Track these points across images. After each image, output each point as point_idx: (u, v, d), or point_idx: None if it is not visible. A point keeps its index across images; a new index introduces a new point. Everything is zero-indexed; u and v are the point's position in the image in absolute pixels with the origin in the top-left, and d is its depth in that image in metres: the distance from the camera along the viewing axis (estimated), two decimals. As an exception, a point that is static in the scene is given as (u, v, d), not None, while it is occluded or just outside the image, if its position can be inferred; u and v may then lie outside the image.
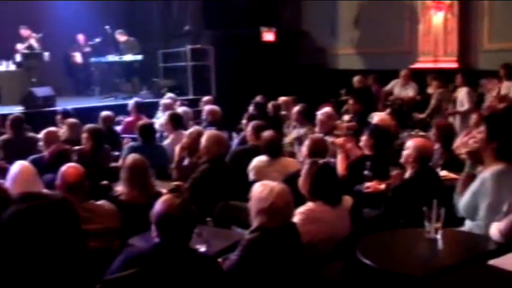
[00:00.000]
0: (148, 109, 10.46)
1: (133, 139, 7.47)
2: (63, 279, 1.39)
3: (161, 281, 3.04)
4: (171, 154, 6.82)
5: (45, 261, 1.43)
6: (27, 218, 1.47)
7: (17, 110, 11.05)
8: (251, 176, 5.83)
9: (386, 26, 13.70)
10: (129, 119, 9.30)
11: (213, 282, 3.22)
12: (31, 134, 7.84)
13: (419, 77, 11.83)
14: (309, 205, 4.16)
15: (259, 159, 5.93)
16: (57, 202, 1.50)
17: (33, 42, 14.33)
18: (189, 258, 3.22)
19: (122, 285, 2.97)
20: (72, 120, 7.95)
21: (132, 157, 4.96)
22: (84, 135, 6.76)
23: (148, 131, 7.05)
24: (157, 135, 8.18)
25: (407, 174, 4.93)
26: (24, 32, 14.33)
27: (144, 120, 7.85)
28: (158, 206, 3.25)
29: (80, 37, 15.35)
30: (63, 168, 4.38)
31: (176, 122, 7.72)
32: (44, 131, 6.76)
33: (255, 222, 3.63)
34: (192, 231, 3.28)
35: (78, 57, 15.36)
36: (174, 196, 3.36)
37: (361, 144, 5.91)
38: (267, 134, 6.11)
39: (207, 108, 9.05)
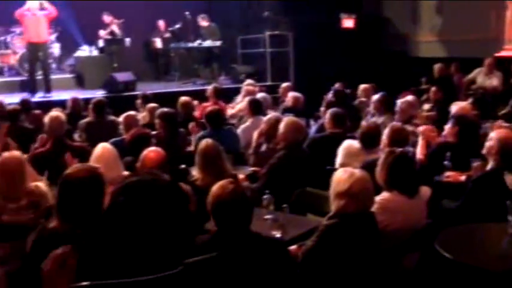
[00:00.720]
0: (227, 95, 10.56)
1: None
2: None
3: (226, 268, 3.08)
4: (248, 139, 6.87)
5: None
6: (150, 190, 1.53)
7: (99, 94, 11.40)
8: (338, 159, 5.75)
9: (470, 12, 13.26)
10: (207, 104, 9.42)
11: (280, 266, 3.23)
12: (112, 118, 8.06)
13: (505, 66, 11.44)
14: (384, 195, 4.13)
15: (351, 145, 5.82)
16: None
17: (115, 28, 14.72)
18: (251, 243, 3.24)
19: (189, 272, 3.00)
20: (152, 104, 8.13)
21: (204, 142, 5.02)
22: (157, 121, 6.89)
23: (215, 117, 7.08)
24: (234, 121, 8.29)
25: (488, 166, 4.81)
26: (107, 18, 14.73)
27: (211, 107, 7.88)
28: (211, 193, 3.29)
29: (160, 23, 15.63)
30: (145, 151, 4.49)
31: (256, 108, 7.76)
32: (123, 115, 6.94)
33: (333, 207, 3.64)
34: (249, 216, 3.28)
35: (158, 43, 15.65)
36: (227, 182, 3.39)
37: (445, 132, 5.78)
38: (364, 123, 6.01)
39: (290, 94, 9.08)
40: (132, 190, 1.55)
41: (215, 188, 3.30)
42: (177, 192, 1.56)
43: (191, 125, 7.44)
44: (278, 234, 3.92)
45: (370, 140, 5.74)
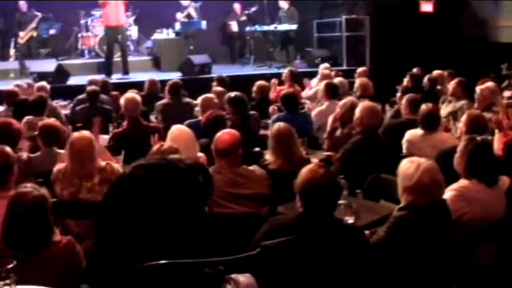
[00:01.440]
0: (302, 78, 10.52)
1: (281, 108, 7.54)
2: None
3: (306, 251, 3.09)
4: (322, 123, 6.85)
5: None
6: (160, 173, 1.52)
7: (175, 76, 11.57)
8: (404, 149, 5.72)
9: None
10: (283, 87, 9.41)
11: (358, 253, 3.22)
12: (188, 100, 8.18)
13: None
14: (463, 183, 4.02)
15: (414, 133, 5.78)
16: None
17: (191, 11, 14.89)
18: (334, 228, 3.24)
19: (268, 254, 3.03)
20: (219, 88, 8.19)
21: (277, 126, 5.03)
22: (226, 106, 6.94)
23: (291, 100, 7.08)
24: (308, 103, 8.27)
25: None
26: (184, 1, 14.92)
27: (287, 90, 7.87)
28: (301, 176, 3.28)
29: (236, 6, 15.70)
30: (219, 134, 4.53)
31: (332, 92, 7.71)
32: (201, 97, 7.01)
33: (402, 200, 3.58)
34: (336, 201, 3.29)
35: (234, 26, 15.74)
36: (317, 166, 3.38)
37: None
38: (424, 106, 5.92)
39: (358, 81, 8.97)
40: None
41: (305, 171, 3.30)
42: (192, 181, 1.51)
43: (272, 108, 7.48)
44: (351, 220, 3.90)
45: (430, 122, 5.71)
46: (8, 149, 4.22)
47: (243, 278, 1.54)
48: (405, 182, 3.54)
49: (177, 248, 1.45)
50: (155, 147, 4.14)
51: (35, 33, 14.73)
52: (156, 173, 1.50)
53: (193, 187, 1.51)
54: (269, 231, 3.24)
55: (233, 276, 1.51)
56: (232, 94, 7.01)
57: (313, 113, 7.45)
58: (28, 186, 3.32)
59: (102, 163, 4.73)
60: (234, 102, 6.82)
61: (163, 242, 1.45)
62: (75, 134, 4.82)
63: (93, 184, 4.56)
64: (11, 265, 2.53)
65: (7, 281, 2.51)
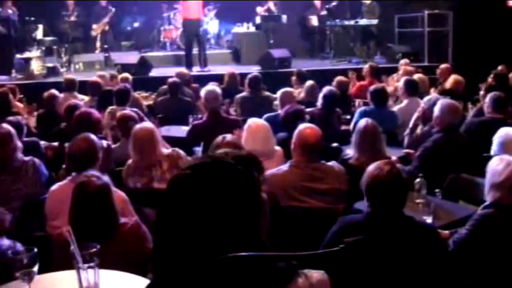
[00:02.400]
0: (382, 74, 10.38)
1: (365, 103, 7.49)
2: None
3: (376, 250, 3.05)
4: (402, 120, 6.75)
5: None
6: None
7: (255, 69, 11.64)
8: (494, 148, 5.50)
9: None
10: (363, 83, 9.32)
11: (432, 252, 3.16)
12: (267, 93, 8.23)
13: None
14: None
15: (507, 133, 5.54)
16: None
17: (271, 5, 14.93)
18: (404, 226, 3.18)
19: (340, 253, 3.00)
20: (311, 82, 8.19)
21: (364, 121, 4.97)
22: (320, 97, 6.94)
23: (381, 95, 7.01)
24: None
25: None
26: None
27: (377, 84, 7.80)
28: (367, 173, 3.25)
29: (317, 1, 15.62)
30: (301, 128, 4.52)
31: (412, 88, 7.58)
32: (280, 91, 7.03)
33: (488, 198, 3.50)
34: (403, 198, 3.23)
35: (314, 21, 15.68)
36: (383, 163, 3.34)
37: None
38: None
39: (452, 76, 8.78)
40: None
41: (371, 168, 3.28)
42: (240, 172, 1.51)
43: (358, 101, 7.43)
44: (429, 219, 3.83)
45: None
46: (93, 136, 4.36)
47: (316, 274, 1.54)
48: (493, 179, 3.46)
49: (231, 240, 1.47)
50: (217, 140, 4.18)
51: (107, 27, 15.12)
52: (201, 171, 1.51)
53: (242, 178, 1.51)
54: (339, 230, 3.23)
55: (306, 271, 1.51)
56: (328, 88, 7.03)
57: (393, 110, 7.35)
58: (91, 174, 3.43)
59: (166, 150, 4.82)
60: (328, 97, 6.83)
61: (217, 236, 1.46)
62: (137, 126, 4.94)
63: (163, 171, 4.66)
64: (95, 249, 2.62)
65: (91, 264, 2.60)
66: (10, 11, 13.16)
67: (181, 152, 4.88)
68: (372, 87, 7.26)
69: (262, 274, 1.44)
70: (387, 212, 3.17)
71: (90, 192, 3.23)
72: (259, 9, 15.12)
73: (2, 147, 4.60)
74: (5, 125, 4.84)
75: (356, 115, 6.77)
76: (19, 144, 4.77)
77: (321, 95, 6.94)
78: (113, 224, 3.26)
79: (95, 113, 5.82)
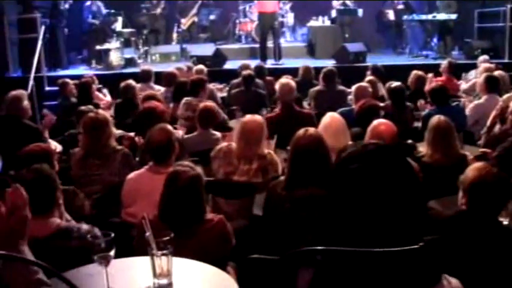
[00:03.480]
0: (459, 70, 10.14)
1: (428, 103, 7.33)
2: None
3: (463, 249, 2.99)
4: (479, 117, 6.58)
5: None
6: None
7: (330, 63, 11.59)
8: None
9: None
10: (440, 79, 9.13)
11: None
12: (341, 88, 8.18)
13: None
14: None
15: None
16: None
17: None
18: (495, 230, 3.10)
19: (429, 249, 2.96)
20: (369, 77, 8.10)
21: (437, 118, 4.86)
22: (386, 94, 6.85)
23: (439, 94, 6.78)
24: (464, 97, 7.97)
25: None
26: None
27: (435, 84, 7.58)
28: (471, 172, 3.17)
29: (395, -6, 15.41)
30: (375, 123, 4.47)
31: (492, 85, 7.37)
32: (355, 86, 6.98)
33: None
34: (504, 203, 3.15)
35: (391, 15, 15.45)
36: (485, 165, 3.26)
37: None
38: None
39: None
40: (363, 157, 1.57)
41: (477, 167, 3.19)
42: (405, 164, 1.56)
43: (419, 102, 7.28)
44: (505, 221, 3.73)
45: None
46: (169, 127, 4.45)
47: (454, 280, 1.60)
48: None
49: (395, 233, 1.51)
50: (299, 133, 4.18)
51: (196, 19, 15.40)
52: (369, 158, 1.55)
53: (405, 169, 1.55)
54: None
55: (446, 276, 1.56)
56: (393, 84, 6.92)
57: (470, 107, 7.17)
58: (185, 165, 3.48)
59: (265, 151, 4.85)
60: (394, 93, 6.73)
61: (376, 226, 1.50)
62: (248, 116, 4.99)
63: (250, 169, 4.70)
64: (169, 237, 2.68)
65: (165, 252, 2.66)
66: (99, 3, 13.71)
67: (275, 158, 4.88)
68: (430, 87, 7.10)
69: (411, 273, 1.49)
70: (484, 213, 3.10)
71: (184, 182, 3.29)
72: (335, 3, 15.02)
73: (97, 132, 4.78)
74: (102, 112, 5.01)
75: (424, 114, 6.62)
76: (113, 131, 4.94)
77: (387, 91, 6.83)
78: (200, 216, 3.32)
79: (160, 106, 5.89)
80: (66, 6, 13.01)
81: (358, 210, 1.51)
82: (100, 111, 5.06)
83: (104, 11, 14.25)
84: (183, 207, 3.26)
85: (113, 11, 14.52)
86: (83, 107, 6.22)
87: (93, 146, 4.81)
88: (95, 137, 4.80)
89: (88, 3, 14.18)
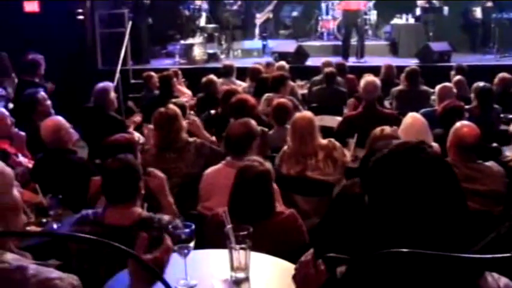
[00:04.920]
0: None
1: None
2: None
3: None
4: None
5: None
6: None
7: (413, 62, 11.38)
8: None
9: None
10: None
11: None
12: (424, 88, 8.00)
13: None
14: None
15: None
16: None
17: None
18: None
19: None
20: (458, 77, 7.88)
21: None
22: (472, 95, 6.66)
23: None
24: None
25: None
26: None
27: None
28: None
29: (483, -9, 14.93)
30: (458, 126, 4.37)
31: None
32: (439, 86, 6.82)
33: None
34: None
35: (478, 13, 14.99)
36: None
37: None
38: None
39: None
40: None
41: None
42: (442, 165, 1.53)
43: None
44: None
45: None
46: (252, 122, 4.48)
47: (504, 278, 1.57)
48: None
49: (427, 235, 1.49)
50: (375, 132, 4.13)
51: (271, 15, 15.45)
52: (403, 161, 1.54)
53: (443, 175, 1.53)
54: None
55: (493, 273, 1.55)
56: (481, 84, 6.73)
57: None
58: (254, 159, 3.51)
59: (324, 141, 4.85)
60: (482, 94, 6.54)
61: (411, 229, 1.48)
62: (297, 114, 5.01)
63: (317, 161, 4.71)
64: (247, 231, 2.71)
65: (243, 245, 2.69)
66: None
67: (337, 143, 4.89)
68: None
69: (453, 267, 1.48)
70: None
71: (252, 177, 3.33)
72: (420, 2, 14.70)
73: (169, 127, 4.89)
74: (172, 106, 5.13)
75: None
76: (184, 124, 5.04)
77: (474, 92, 6.63)
78: (270, 210, 3.34)
79: (251, 99, 5.96)
80: (147, 1, 13.28)
81: (395, 215, 1.50)
82: (171, 105, 5.16)
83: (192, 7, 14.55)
84: (250, 201, 3.29)
85: (197, 7, 14.74)
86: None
87: (166, 140, 4.91)
88: (167, 132, 4.90)
89: None
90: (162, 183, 4.12)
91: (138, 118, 7.10)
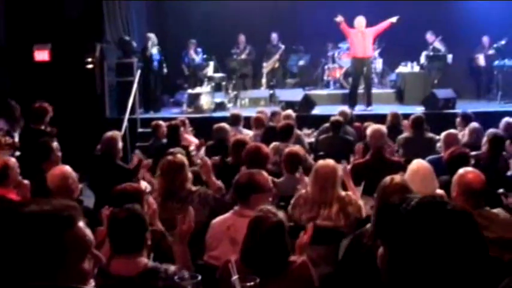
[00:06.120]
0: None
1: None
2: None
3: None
4: None
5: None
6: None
7: (418, 110, 11.41)
8: None
9: None
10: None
11: None
12: (430, 135, 8.00)
13: None
14: None
15: None
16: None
17: (437, 44, 14.62)
18: None
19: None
20: (474, 124, 7.87)
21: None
22: (484, 140, 6.65)
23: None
24: None
25: None
26: (430, 37, 14.74)
27: None
28: None
29: (485, 39, 15.02)
30: (461, 172, 4.35)
31: None
32: (444, 133, 6.82)
33: None
34: None
35: (481, 60, 15.10)
36: None
37: None
38: None
39: None
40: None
41: None
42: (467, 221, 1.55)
43: (509, 145, 6.96)
44: None
45: None
46: (264, 174, 4.45)
47: None
48: None
49: None
50: (385, 181, 4.10)
51: (277, 64, 15.61)
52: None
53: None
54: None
55: None
56: (495, 131, 6.76)
57: None
58: (268, 210, 3.48)
59: (342, 193, 4.82)
60: (494, 141, 6.52)
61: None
62: (321, 161, 5.02)
63: (331, 212, 4.69)
64: (254, 282, 2.67)
65: (250, 297, 2.65)
66: (194, 55, 14.35)
67: (353, 197, 4.87)
68: None
69: None
70: None
71: (266, 228, 3.30)
72: (425, 50, 14.83)
73: (174, 176, 4.89)
74: (180, 156, 5.14)
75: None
76: (189, 175, 5.04)
77: (485, 138, 6.62)
78: (284, 261, 3.31)
79: (264, 148, 5.96)
80: (154, 51, 13.43)
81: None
82: (178, 155, 5.18)
83: (199, 57, 14.74)
84: (266, 253, 3.25)
85: (205, 56, 14.92)
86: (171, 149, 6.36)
87: (170, 189, 4.90)
88: (172, 180, 4.90)
89: (184, 52, 14.78)
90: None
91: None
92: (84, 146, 8.95)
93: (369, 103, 12.94)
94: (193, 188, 5.00)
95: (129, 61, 12.74)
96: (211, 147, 7.77)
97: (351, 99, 13.15)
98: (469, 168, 4.56)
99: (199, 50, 14.97)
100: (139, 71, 12.49)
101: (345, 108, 10.90)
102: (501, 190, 5.41)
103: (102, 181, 6.06)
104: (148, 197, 4.46)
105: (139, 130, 11.93)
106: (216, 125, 8.06)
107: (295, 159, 5.72)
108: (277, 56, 15.57)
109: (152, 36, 13.53)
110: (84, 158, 7.19)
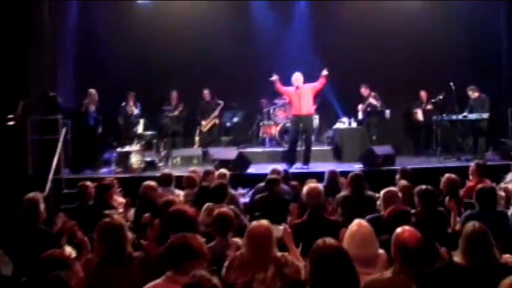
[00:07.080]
0: (494, 173, 10.01)
1: (468, 204, 7.25)
2: None
3: None
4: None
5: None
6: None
7: (357, 167, 11.61)
8: None
9: None
10: (470, 183, 9.00)
11: None
12: (370, 193, 8.08)
13: None
14: None
15: None
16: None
17: (372, 100, 15.01)
18: None
19: None
20: (404, 182, 8.02)
21: (471, 225, 4.70)
22: (415, 199, 6.77)
23: (487, 196, 6.72)
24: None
25: None
26: (365, 91, 15.14)
27: (483, 184, 7.45)
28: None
29: (423, 94, 15.52)
30: (398, 230, 4.41)
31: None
32: (384, 191, 6.90)
33: None
34: None
35: (419, 115, 15.55)
36: None
37: None
38: None
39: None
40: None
41: None
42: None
43: (448, 201, 7.11)
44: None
45: None
46: (197, 237, 4.43)
47: None
48: None
49: None
50: (319, 243, 4.12)
51: (217, 121, 15.71)
52: None
53: None
54: None
55: None
56: (423, 187, 6.81)
57: (510, 212, 7.01)
58: (202, 276, 3.46)
59: (279, 254, 4.82)
60: (425, 196, 6.65)
61: None
62: (254, 222, 4.99)
63: (266, 275, 4.65)
64: None
65: None
66: (133, 107, 14.56)
67: (290, 258, 4.86)
68: (478, 187, 6.96)
69: None
70: None
71: None
72: (361, 106, 15.19)
73: (112, 238, 4.81)
74: (118, 217, 5.07)
75: (461, 219, 6.54)
76: (129, 235, 4.97)
77: (417, 195, 6.76)
78: None
79: (189, 210, 5.90)
80: (92, 108, 13.38)
81: None
82: (115, 216, 5.11)
83: (137, 109, 14.76)
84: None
85: (135, 113, 14.87)
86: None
87: (109, 252, 4.82)
88: (110, 243, 4.82)
89: (123, 104, 14.79)
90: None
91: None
92: (4, 207, 8.71)
93: (306, 161, 13.05)
94: (134, 253, 4.92)
95: (53, 118, 12.57)
96: (139, 207, 7.66)
97: (288, 157, 13.23)
98: (406, 227, 4.59)
99: (138, 104, 14.96)
100: (64, 129, 12.33)
101: (277, 166, 10.94)
102: (443, 249, 5.50)
103: (23, 246, 5.89)
104: (75, 264, 4.36)
105: (65, 191, 11.69)
106: (143, 184, 8.02)
107: (225, 221, 5.67)
108: (216, 113, 15.65)
109: (93, 92, 13.50)
110: (3, 220, 6.97)
